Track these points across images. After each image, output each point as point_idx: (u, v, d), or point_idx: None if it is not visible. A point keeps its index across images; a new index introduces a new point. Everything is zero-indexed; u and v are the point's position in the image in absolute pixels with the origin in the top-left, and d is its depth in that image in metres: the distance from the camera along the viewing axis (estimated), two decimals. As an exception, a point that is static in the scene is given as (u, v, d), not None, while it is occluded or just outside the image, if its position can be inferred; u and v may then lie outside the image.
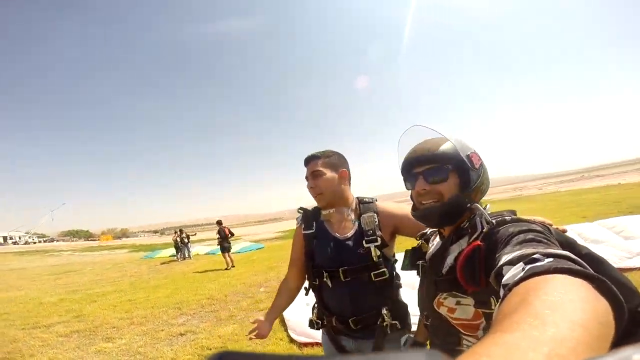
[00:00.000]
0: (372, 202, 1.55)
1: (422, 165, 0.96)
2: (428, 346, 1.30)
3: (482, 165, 0.97)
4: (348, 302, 1.43)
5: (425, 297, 1.05)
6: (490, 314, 0.80)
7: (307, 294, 1.62)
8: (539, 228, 0.71)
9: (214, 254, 15.49)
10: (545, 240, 0.64)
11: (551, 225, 0.79)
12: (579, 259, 0.50)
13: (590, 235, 5.67)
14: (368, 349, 1.42)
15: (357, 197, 1.59)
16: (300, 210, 1.65)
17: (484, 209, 0.89)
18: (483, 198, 1.00)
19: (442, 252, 0.99)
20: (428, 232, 1.20)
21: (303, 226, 1.58)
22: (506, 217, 0.82)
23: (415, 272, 1.17)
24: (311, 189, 1.51)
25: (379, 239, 1.41)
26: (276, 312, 1.61)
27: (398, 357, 0.21)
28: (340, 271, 1.41)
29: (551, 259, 0.50)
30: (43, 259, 25.45)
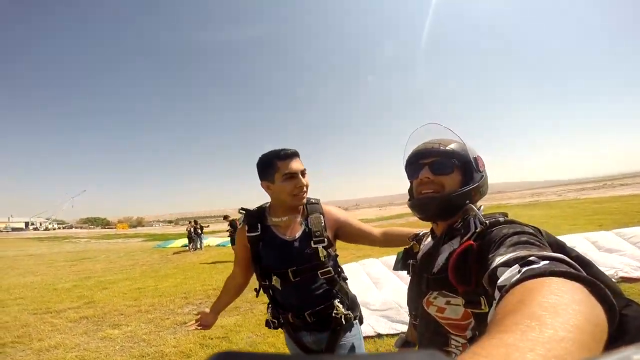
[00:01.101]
0: (317, 204, 1.58)
1: (430, 157, 1.00)
2: (417, 346, 1.28)
3: (485, 170, 1.03)
4: (300, 299, 1.47)
5: (415, 297, 1.06)
6: (480, 314, 0.79)
7: (257, 295, 1.62)
8: (531, 230, 0.72)
9: (224, 245, 15.62)
10: (539, 243, 0.64)
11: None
12: (573, 262, 0.51)
13: (604, 243, 5.62)
14: (325, 340, 1.48)
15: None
16: (242, 211, 1.60)
17: (478, 209, 0.91)
18: (480, 202, 1.03)
19: (434, 251, 0.99)
20: (420, 234, 1.23)
21: (247, 228, 1.53)
22: (499, 219, 0.83)
23: (405, 272, 1.19)
24: (302, 187, 1.45)
25: (325, 239, 1.46)
26: (222, 305, 1.73)
27: (398, 357, 0.21)
28: (290, 272, 1.43)
29: (547, 262, 0.50)
30: (61, 245, 26.24)
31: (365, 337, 3.44)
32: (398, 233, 1.58)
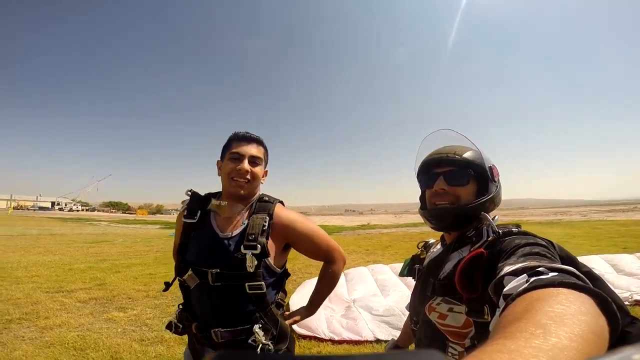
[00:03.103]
0: (271, 203, 1.33)
1: (445, 167, 0.99)
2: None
3: (499, 179, 1.02)
4: (212, 309, 1.24)
5: (418, 302, 1.06)
6: (482, 323, 0.78)
7: (166, 289, 1.42)
8: (543, 243, 0.72)
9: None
10: (550, 255, 0.64)
11: None
12: (582, 275, 0.52)
13: (625, 267, 5.46)
14: None
15: (261, 194, 1.38)
16: (188, 193, 1.38)
17: (493, 219, 0.91)
18: (496, 214, 1.02)
19: (442, 258, 1.00)
20: (430, 241, 1.24)
21: (186, 212, 1.35)
22: (513, 229, 0.83)
23: (412, 280, 1.19)
24: (244, 172, 1.26)
25: (259, 246, 1.19)
26: None
27: (398, 357, 0.21)
28: (210, 273, 1.20)
29: (556, 273, 0.50)
30: (82, 227, 27.13)
31: (364, 342, 3.44)
32: (321, 290, 1.47)
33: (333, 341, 3.43)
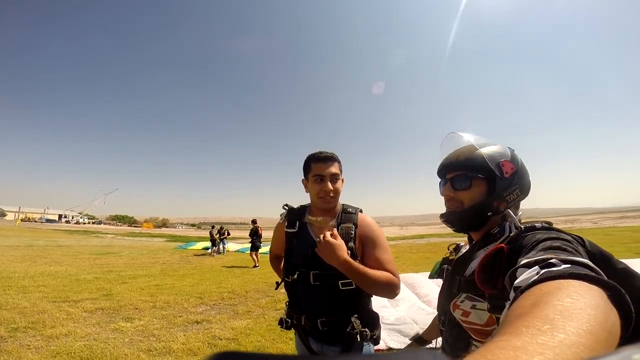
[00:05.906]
0: (354, 213, 1.53)
1: (451, 172, 1.03)
2: (434, 344, 1.37)
3: (515, 173, 0.98)
4: (315, 304, 1.44)
5: (444, 301, 1.05)
6: None
7: (277, 288, 1.67)
8: (568, 237, 0.69)
9: (243, 251, 16.10)
10: (571, 249, 0.60)
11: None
12: (596, 267, 0.49)
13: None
14: (333, 353, 1.42)
15: (343, 205, 1.58)
16: (285, 207, 1.65)
17: (517, 215, 0.90)
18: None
19: (468, 256, 1.00)
20: (461, 244, 1.25)
21: (286, 223, 1.58)
22: (536, 224, 0.81)
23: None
24: (330, 191, 1.46)
25: (348, 250, 1.35)
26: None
27: (398, 357, 0.21)
28: (312, 274, 1.41)
29: (568, 265, 0.49)
30: (89, 239, 27.32)
31: (375, 351, 3.32)
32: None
33: (344, 352, 3.34)
